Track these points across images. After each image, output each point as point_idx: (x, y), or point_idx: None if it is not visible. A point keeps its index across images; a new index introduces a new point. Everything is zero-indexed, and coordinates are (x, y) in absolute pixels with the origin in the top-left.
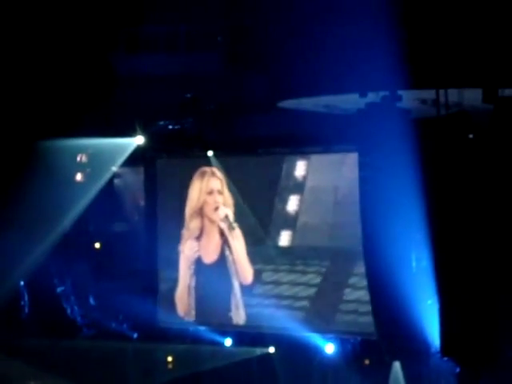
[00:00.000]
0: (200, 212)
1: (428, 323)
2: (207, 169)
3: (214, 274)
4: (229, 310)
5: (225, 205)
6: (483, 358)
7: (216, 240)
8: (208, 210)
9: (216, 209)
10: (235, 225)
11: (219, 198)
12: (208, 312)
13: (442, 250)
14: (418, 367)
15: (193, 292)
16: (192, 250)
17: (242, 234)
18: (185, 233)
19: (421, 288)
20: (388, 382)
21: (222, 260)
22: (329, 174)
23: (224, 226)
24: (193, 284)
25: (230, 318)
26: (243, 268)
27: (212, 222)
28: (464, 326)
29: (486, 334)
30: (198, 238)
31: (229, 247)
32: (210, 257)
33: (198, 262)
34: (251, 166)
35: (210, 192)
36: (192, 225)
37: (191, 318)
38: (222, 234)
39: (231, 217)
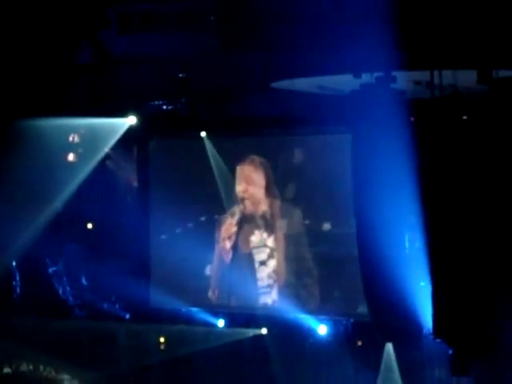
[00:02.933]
0: None
1: (421, 305)
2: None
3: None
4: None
5: None
6: (476, 340)
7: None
8: None
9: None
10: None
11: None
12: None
13: (435, 231)
14: (410, 349)
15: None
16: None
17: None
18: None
19: (414, 270)
20: (380, 364)
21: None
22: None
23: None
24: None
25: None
26: None
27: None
28: (457, 307)
29: (479, 316)
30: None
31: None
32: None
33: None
34: (243, 147)
35: None
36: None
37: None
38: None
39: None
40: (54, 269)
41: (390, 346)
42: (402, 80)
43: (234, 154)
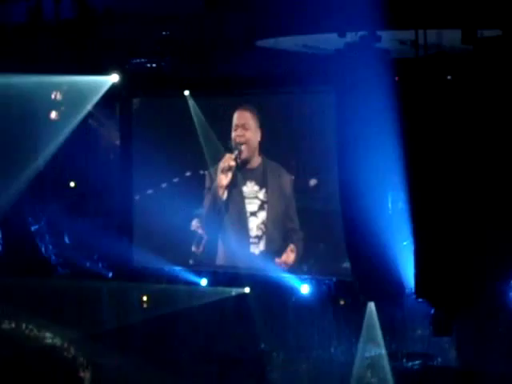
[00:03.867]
0: None
1: (403, 264)
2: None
3: None
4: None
5: None
6: (458, 300)
7: None
8: None
9: None
10: None
11: None
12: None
13: (418, 191)
14: (392, 308)
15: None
16: None
17: None
18: None
19: (396, 229)
20: (363, 323)
21: None
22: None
23: None
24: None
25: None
26: None
27: None
28: (439, 267)
29: (461, 276)
30: None
31: None
32: None
33: None
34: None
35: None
36: None
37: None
38: None
39: None
40: (36, 227)
41: (372, 306)
42: (387, 39)
43: (218, 112)
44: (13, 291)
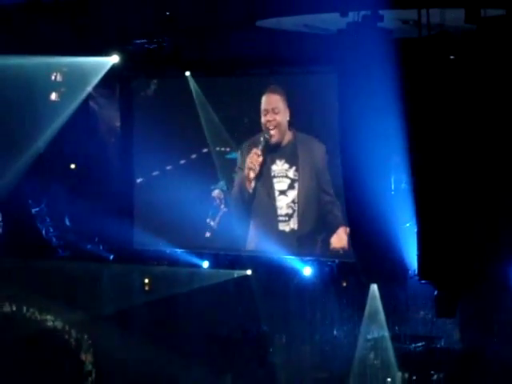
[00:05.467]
0: None
1: (406, 246)
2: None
3: None
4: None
5: None
6: (461, 282)
7: None
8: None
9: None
10: None
11: None
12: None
13: (421, 172)
14: (395, 290)
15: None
16: None
17: None
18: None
19: (399, 210)
20: (365, 305)
21: None
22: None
23: None
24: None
25: None
26: None
27: None
28: (442, 249)
29: (465, 257)
30: None
31: None
32: None
33: None
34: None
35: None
36: None
37: None
38: None
39: None
40: (37, 209)
41: (375, 287)
42: (390, 19)
43: (221, 93)
44: (13, 274)
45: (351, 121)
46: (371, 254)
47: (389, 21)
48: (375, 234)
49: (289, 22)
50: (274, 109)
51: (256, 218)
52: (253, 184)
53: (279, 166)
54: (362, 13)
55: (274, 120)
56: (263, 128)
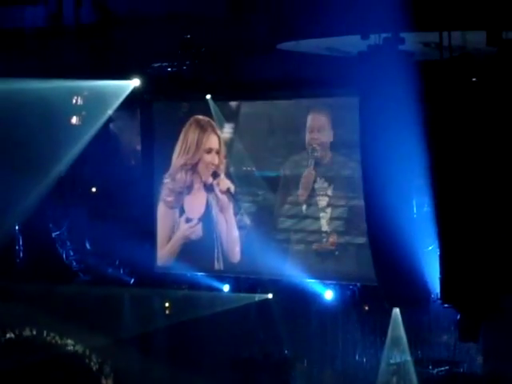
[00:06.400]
0: (192, 168)
1: (429, 269)
2: (205, 119)
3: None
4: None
5: (218, 167)
6: (484, 306)
7: (202, 199)
8: (202, 170)
9: (214, 174)
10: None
11: (216, 160)
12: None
13: (443, 195)
14: (418, 314)
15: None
16: (175, 201)
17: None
18: (168, 181)
19: (422, 234)
20: (387, 329)
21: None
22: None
23: (222, 196)
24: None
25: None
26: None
27: (203, 183)
28: (465, 272)
29: (488, 282)
30: (182, 192)
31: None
32: (194, 213)
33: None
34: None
35: (209, 151)
36: (179, 177)
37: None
38: (208, 192)
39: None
40: (57, 233)
41: (397, 312)
42: (411, 41)
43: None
44: (34, 298)
45: (373, 143)
46: (393, 278)
47: (410, 43)
48: (397, 258)
49: (309, 45)
50: (319, 127)
51: (298, 234)
52: (304, 201)
53: (319, 184)
54: (383, 35)
55: (319, 139)
56: (307, 146)
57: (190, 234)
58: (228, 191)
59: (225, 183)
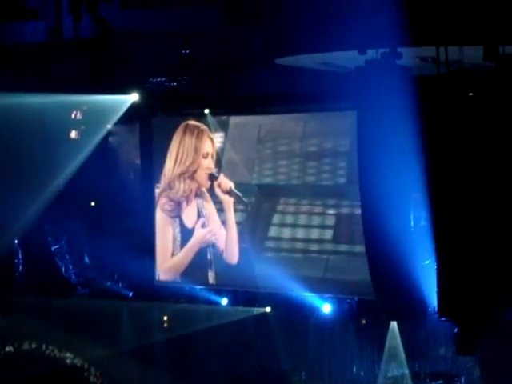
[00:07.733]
0: (190, 176)
1: (426, 283)
2: (197, 124)
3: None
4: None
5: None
6: (481, 319)
7: (194, 206)
8: (201, 176)
9: (211, 177)
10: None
11: (212, 164)
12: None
13: (440, 209)
14: (415, 327)
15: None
16: (174, 211)
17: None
18: (166, 190)
19: (419, 248)
20: (385, 342)
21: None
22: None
23: (224, 196)
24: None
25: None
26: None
27: (203, 188)
28: (462, 286)
29: (485, 294)
30: (180, 200)
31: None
32: (190, 221)
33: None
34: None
35: (206, 156)
36: (177, 186)
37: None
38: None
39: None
40: (56, 247)
41: (394, 325)
42: (408, 56)
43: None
44: (33, 311)
45: (370, 157)
46: (391, 291)
47: (407, 58)
48: (395, 271)
49: (307, 60)
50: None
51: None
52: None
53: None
54: (381, 50)
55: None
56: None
57: (210, 238)
58: (230, 190)
59: (226, 183)
